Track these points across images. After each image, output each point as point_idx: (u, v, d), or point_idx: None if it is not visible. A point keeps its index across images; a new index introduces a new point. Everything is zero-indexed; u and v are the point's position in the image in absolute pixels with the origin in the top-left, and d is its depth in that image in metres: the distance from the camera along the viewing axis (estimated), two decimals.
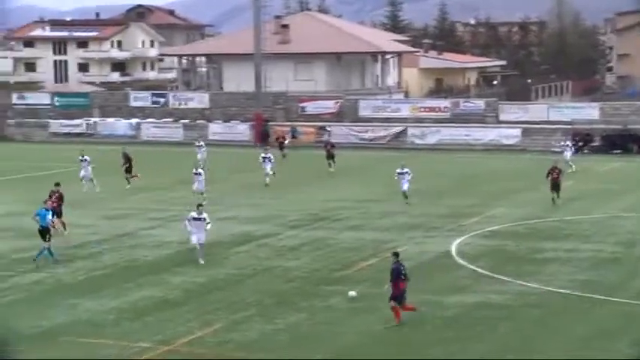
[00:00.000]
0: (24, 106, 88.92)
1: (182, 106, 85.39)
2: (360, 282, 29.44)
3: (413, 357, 21.97)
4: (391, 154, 67.16)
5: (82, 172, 50.42)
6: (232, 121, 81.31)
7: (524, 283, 29.05)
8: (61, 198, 38.07)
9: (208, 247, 32.93)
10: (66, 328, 24.28)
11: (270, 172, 51.68)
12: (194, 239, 31.72)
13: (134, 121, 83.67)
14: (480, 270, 30.94)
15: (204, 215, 31.85)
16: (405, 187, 44.46)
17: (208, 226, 31.84)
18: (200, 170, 46.92)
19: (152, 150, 70.80)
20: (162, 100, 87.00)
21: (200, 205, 32.91)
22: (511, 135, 73.21)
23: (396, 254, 25.13)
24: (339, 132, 77.10)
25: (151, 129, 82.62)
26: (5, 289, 28.94)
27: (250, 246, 35.66)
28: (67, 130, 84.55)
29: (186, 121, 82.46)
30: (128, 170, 52.53)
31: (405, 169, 44.75)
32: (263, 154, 52.78)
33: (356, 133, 77.43)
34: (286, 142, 68.98)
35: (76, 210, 42.42)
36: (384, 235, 37.27)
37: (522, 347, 22.97)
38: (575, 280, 29.71)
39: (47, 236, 32.16)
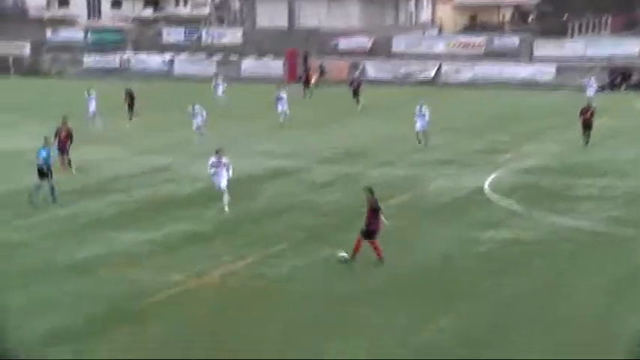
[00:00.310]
0: (58, 42, 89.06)
1: (215, 42, 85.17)
2: (392, 218, 29.38)
3: (447, 290, 22.01)
4: (424, 90, 66.77)
5: (91, 109, 50.34)
6: (265, 57, 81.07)
7: (557, 220, 28.95)
8: (68, 135, 37.33)
9: (240, 182, 33.01)
10: (102, 260, 24.51)
11: (285, 111, 50.86)
12: (216, 185, 30.39)
13: (167, 56, 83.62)
14: (513, 206, 30.85)
15: (225, 160, 30.29)
16: (419, 126, 42.90)
17: (231, 170, 30.25)
18: (197, 107, 45.69)
19: (185, 85, 70.74)
20: (195, 35, 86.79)
21: (219, 149, 30.90)
22: (546, 72, 72.50)
23: (371, 190, 24.58)
24: (372, 68, 76.70)
25: (184, 65, 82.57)
26: (45, 221, 29.24)
27: (283, 181, 35.74)
28: (100, 65, 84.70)
29: (219, 56, 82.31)
30: (130, 107, 52.33)
31: (424, 110, 43.22)
32: (277, 93, 51.91)
33: (389, 69, 76.99)
34: (314, 79, 68.60)
35: (111, 145, 42.66)
36: (417, 171, 37.20)
37: (554, 282, 22.93)
38: (610, 217, 29.55)
39: (47, 175, 31.32)
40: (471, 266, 24.21)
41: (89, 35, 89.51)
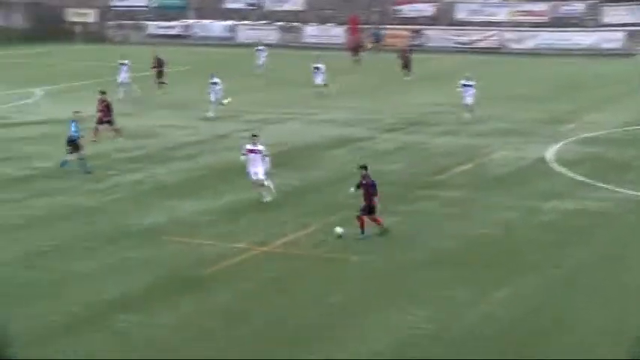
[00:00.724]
0: (122, 8, 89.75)
1: (277, 9, 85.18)
2: (454, 187, 29.41)
3: (508, 261, 21.93)
4: (486, 58, 66.25)
5: (121, 77, 49.66)
6: (327, 24, 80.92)
7: (622, 190, 28.60)
8: (108, 106, 37.23)
9: (302, 151, 33.13)
10: (165, 227, 24.78)
11: (321, 84, 49.84)
12: (252, 175, 27.36)
13: (229, 23, 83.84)
14: (577, 176, 30.57)
15: (260, 147, 27.46)
16: (469, 100, 41.89)
17: (267, 161, 27.29)
18: (216, 80, 43.79)
19: (247, 52, 70.85)
20: (257, 2, 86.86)
21: (254, 135, 28.31)
22: (613, 38, 71.38)
23: (365, 166, 24.34)
24: (435, 35, 76.21)
25: (246, 31, 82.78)
26: (109, 188, 29.65)
27: (346, 149, 35.76)
28: (163, 31, 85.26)
29: (281, 23, 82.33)
30: (159, 75, 51.54)
31: (470, 81, 42.17)
32: (314, 64, 50.70)
33: (451, 37, 76.45)
34: (369, 46, 68.08)
35: (175, 111, 42.99)
36: (480, 141, 36.99)
37: (618, 254, 22.73)
38: None
39: (76, 147, 31.44)
40: (533, 237, 24.06)
41: (152, 1, 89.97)
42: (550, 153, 34.31)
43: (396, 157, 34.20)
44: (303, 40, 79.44)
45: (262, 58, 61.88)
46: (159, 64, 51.95)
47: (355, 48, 66.67)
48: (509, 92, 46.82)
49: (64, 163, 31.70)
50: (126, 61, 50.01)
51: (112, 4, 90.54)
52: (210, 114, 42.72)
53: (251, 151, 27.22)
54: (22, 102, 48.77)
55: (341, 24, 79.33)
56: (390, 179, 30.49)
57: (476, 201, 27.58)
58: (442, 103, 46.46)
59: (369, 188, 23.87)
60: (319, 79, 50.03)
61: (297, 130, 39.90)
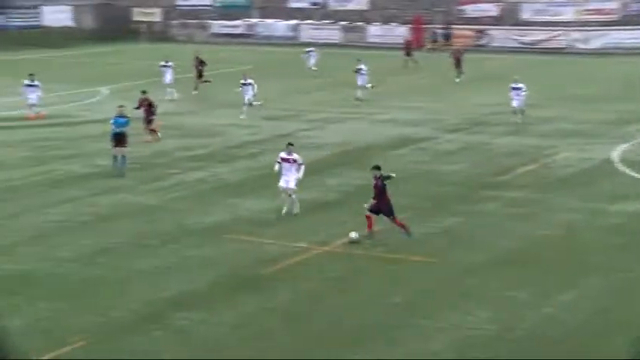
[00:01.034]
0: (186, 8, 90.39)
1: (341, 8, 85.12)
2: (517, 188, 29.11)
3: (572, 263, 21.63)
4: (552, 58, 65.56)
5: (167, 78, 49.28)
6: (391, 24, 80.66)
7: None
8: (150, 105, 37.01)
9: (364, 151, 32.99)
10: (227, 226, 24.87)
11: (365, 85, 48.36)
12: (282, 183, 26.08)
13: (293, 22, 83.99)
14: None
15: (295, 156, 26.11)
16: (515, 104, 40.42)
17: (301, 171, 25.94)
18: (250, 80, 42.95)
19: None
20: (322, 1, 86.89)
21: (290, 144, 26.86)
22: None
23: (378, 167, 24.09)
24: (499, 35, 75.59)
25: (309, 30, 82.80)
26: (171, 186, 29.87)
27: (407, 149, 35.61)
28: (226, 30, 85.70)
29: (344, 22, 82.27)
30: (200, 75, 51.24)
31: (520, 84, 40.75)
32: (357, 66, 49.23)
33: (516, 37, 75.74)
34: (429, 46, 67.45)
35: (236, 110, 43.11)
36: (544, 141, 36.56)
37: None
38: None
39: (121, 143, 31.21)
40: (598, 239, 23.72)
41: (217, 1, 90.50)
42: (616, 154, 33.80)
43: (458, 158, 33.95)
44: (366, 40, 79.26)
45: (312, 59, 61.70)
46: (200, 64, 51.84)
47: (410, 48, 66.09)
48: (574, 93, 46.21)
49: (123, 162, 31.51)
50: (170, 63, 49.93)
51: (176, 3, 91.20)
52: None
53: (285, 159, 26.16)
54: (88, 101, 49.37)
55: (404, 23, 79.01)
56: (452, 179, 30.34)
57: (539, 202, 27.26)
58: (505, 103, 45.93)
59: (378, 189, 23.64)
60: (362, 81, 48.73)
61: (358, 130, 39.80)
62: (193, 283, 20.31)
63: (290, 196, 26.01)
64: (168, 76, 49.60)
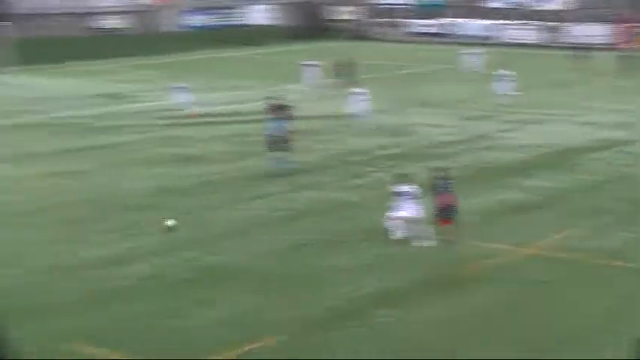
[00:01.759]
0: (384, 6, 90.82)
1: (539, 8, 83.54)
2: None
3: None
4: None
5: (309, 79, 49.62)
6: (591, 23, 78.48)
7: None
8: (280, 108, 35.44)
9: (561, 153, 32.27)
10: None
11: (508, 93, 46.38)
12: (394, 217, 23.16)
13: (489, 22, 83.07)
14: None
15: (408, 188, 23.10)
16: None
17: (420, 202, 23.03)
18: (359, 90, 41.16)
19: (508, 51, 70.04)
20: (518, 1, 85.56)
21: (404, 175, 24.21)
22: None
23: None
24: None
25: (505, 30, 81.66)
26: (368, 183, 30.09)
27: (609, 152, 34.57)
28: (423, 30, 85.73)
29: (542, 22, 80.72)
30: (348, 75, 50.61)
31: None
32: (499, 72, 47.57)
33: None
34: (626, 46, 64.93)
35: (436, 110, 43.04)
36: None
37: None
38: None
39: (280, 146, 31.15)
40: None
41: (413, 0, 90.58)
42: None
43: None
44: (564, 40, 77.47)
45: (476, 60, 60.66)
46: (349, 67, 51.75)
47: (620, 48, 64.19)
48: None
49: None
50: (316, 62, 49.60)
51: (374, 1, 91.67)
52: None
53: (398, 193, 23.37)
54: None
55: (605, 22, 76.73)
56: None
57: None
58: None
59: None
60: (505, 88, 46.84)
61: (558, 132, 38.94)
62: (391, 281, 20.30)
63: (407, 223, 23.13)
64: (309, 76, 50.22)
